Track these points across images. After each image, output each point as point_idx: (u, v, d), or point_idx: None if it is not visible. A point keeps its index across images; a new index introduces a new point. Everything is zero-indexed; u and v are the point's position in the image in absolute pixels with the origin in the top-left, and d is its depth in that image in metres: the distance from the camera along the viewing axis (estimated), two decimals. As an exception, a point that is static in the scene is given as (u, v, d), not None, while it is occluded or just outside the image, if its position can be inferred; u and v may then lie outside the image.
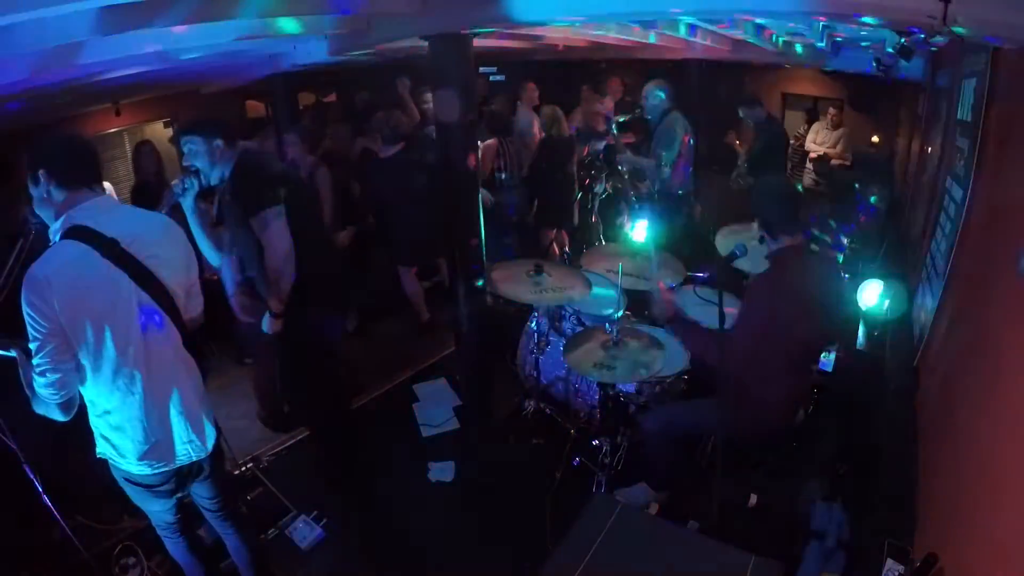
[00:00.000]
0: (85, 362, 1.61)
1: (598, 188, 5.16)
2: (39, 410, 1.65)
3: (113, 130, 5.33)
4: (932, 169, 3.35)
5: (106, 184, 3.50)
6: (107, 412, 1.70)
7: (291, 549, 2.60)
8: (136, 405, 1.70)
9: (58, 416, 1.65)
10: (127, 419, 1.70)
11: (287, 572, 2.49)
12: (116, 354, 1.63)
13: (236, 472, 2.94)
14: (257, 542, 2.32)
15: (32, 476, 1.80)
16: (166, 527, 2.01)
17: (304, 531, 2.66)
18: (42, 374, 1.57)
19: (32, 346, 1.55)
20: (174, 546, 2.06)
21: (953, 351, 2.07)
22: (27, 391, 1.63)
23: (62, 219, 1.63)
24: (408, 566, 2.59)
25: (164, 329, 1.73)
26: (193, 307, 1.89)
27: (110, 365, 1.63)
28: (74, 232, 1.59)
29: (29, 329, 1.53)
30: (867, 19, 1.95)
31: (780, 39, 4.77)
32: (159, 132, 5.76)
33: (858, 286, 3.31)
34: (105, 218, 1.64)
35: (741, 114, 5.03)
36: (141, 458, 1.75)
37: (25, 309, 1.51)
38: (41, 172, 1.62)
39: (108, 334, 1.60)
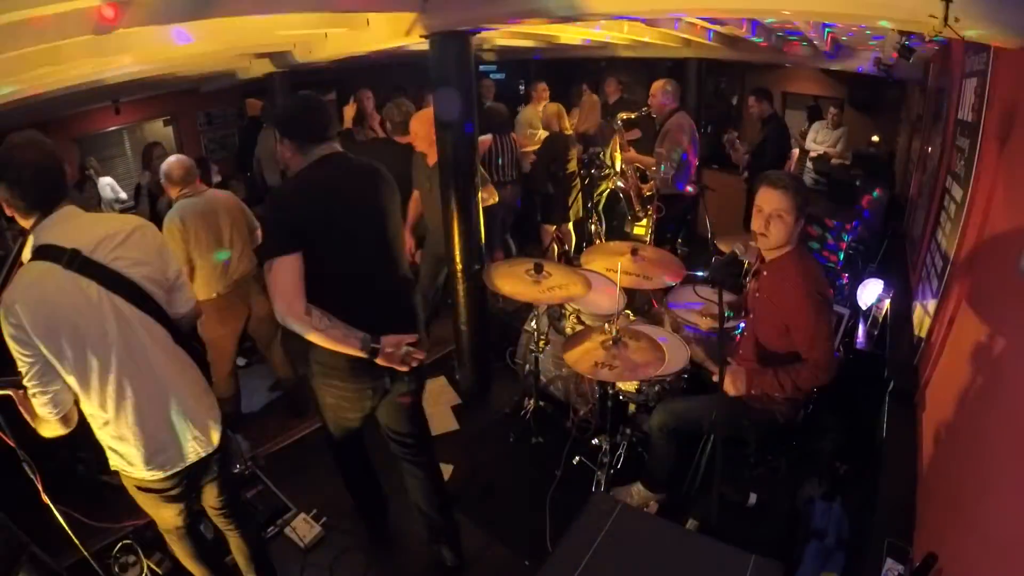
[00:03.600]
0: (70, 378, 1.59)
1: (603, 185, 5.19)
2: (45, 433, 1.66)
3: (112, 128, 5.33)
4: (932, 169, 3.35)
5: (106, 179, 3.50)
6: (106, 423, 1.69)
7: (291, 548, 2.61)
8: (131, 411, 1.68)
9: (61, 431, 1.66)
10: (126, 427, 1.69)
11: (287, 571, 2.49)
12: (99, 364, 1.60)
13: (236, 471, 2.94)
14: (259, 538, 2.32)
15: (32, 475, 1.79)
16: (175, 531, 2.00)
17: (304, 530, 2.66)
18: (34, 396, 1.58)
19: (21, 370, 1.56)
20: (183, 551, 2.05)
21: (953, 351, 2.06)
22: (31, 421, 1.64)
23: (31, 238, 1.59)
24: (408, 566, 2.59)
25: (146, 330, 1.69)
26: (180, 303, 1.82)
27: (96, 376, 1.61)
28: (38, 252, 1.56)
29: (14, 355, 1.53)
30: (867, 20, 1.95)
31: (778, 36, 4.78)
32: (159, 131, 5.75)
33: (858, 286, 3.32)
34: (65, 229, 1.59)
35: (750, 103, 5.05)
36: (148, 463, 1.74)
37: (5, 337, 1.52)
38: (3, 192, 1.56)
39: (86, 346, 1.58)
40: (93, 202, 4.28)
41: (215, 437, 1.87)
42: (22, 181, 1.56)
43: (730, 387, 2.24)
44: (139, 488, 1.83)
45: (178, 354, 1.79)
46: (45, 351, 1.53)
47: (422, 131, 3.46)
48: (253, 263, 3.22)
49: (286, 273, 1.78)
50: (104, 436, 1.72)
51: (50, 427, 1.65)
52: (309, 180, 1.94)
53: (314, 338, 1.84)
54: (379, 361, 1.92)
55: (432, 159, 3.45)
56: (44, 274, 1.54)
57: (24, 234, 1.66)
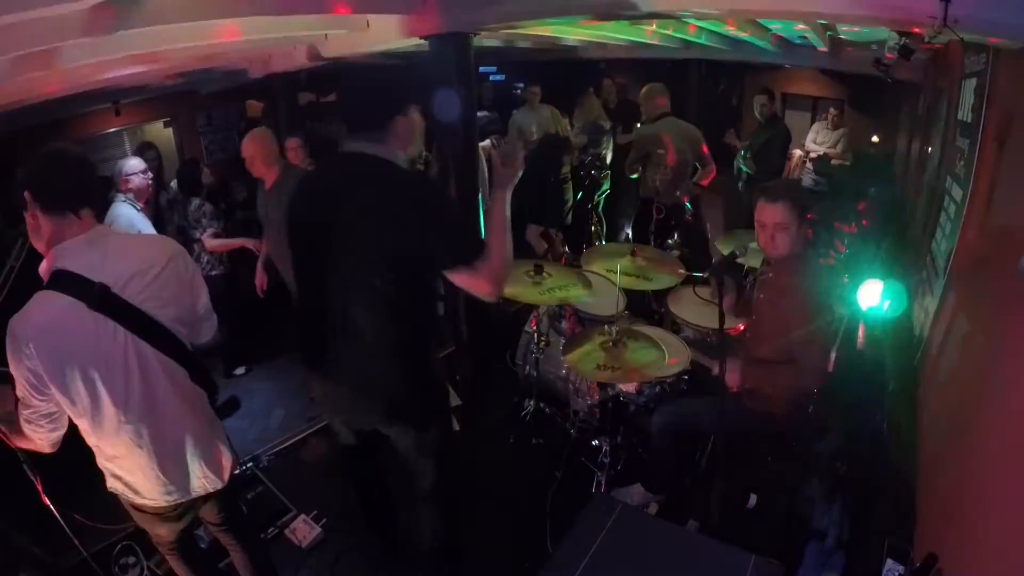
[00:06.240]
0: (82, 421, 1.51)
1: (604, 186, 5.20)
2: (20, 443, 1.56)
3: (112, 130, 5.33)
4: (932, 169, 3.35)
5: (133, 161, 3.36)
6: (115, 457, 1.62)
7: (291, 549, 2.60)
8: (145, 455, 1.60)
9: (44, 450, 1.58)
10: (138, 467, 1.62)
11: (287, 572, 2.48)
12: (116, 411, 1.51)
13: (236, 472, 2.93)
14: (263, 551, 2.27)
15: (32, 476, 1.79)
16: (169, 547, 1.97)
17: (304, 531, 2.66)
18: (28, 423, 1.49)
19: (23, 399, 1.45)
20: (177, 564, 2.03)
21: (953, 351, 2.07)
22: (6, 430, 1.54)
23: (49, 258, 1.47)
24: (408, 567, 2.58)
25: (167, 374, 1.59)
26: (205, 332, 1.75)
27: (111, 421, 1.53)
28: (58, 280, 1.42)
29: (20, 385, 1.42)
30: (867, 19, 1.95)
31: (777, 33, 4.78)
32: (159, 132, 5.75)
33: (858, 286, 3.31)
34: (94, 257, 1.45)
35: (755, 104, 5.05)
36: (153, 496, 1.69)
37: (10, 365, 1.40)
38: (26, 192, 1.43)
39: (103, 392, 1.48)
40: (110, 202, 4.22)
41: (225, 476, 1.82)
42: (44, 169, 1.46)
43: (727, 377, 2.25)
44: (136, 508, 1.78)
45: (195, 392, 1.70)
46: (58, 395, 1.43)
47: (257, 152, 3.11)
48: None
49: None
50: (110, 466, 1.65)
51: (30, 447, 1.56)
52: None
53: None
54: None
55: (269, 182, 3.15)
56: (64, 313, 1.40)
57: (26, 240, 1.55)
